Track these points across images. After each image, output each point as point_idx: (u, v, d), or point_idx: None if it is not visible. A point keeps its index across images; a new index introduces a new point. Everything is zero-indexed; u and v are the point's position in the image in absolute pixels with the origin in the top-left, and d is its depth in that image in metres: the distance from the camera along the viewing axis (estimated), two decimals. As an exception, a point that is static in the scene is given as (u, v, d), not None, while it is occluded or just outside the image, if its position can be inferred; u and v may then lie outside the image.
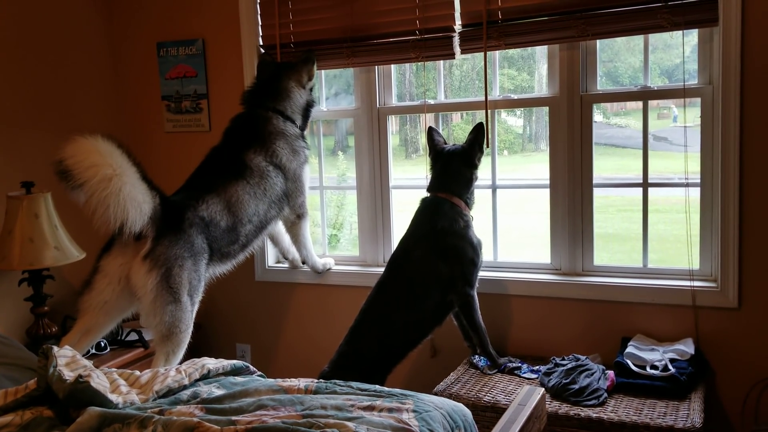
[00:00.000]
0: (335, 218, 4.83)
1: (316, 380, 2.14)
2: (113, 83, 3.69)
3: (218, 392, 1.96)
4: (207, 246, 2.69)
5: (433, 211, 2.76)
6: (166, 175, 3.80)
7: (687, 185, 2.71)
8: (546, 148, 3.03)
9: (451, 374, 2.78)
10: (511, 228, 3.32)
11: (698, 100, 2.68)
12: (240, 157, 2.87)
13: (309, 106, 3.09)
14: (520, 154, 5.28)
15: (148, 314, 2.55)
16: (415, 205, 2.87)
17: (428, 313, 2.73)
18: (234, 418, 1.72)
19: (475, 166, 2.81)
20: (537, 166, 5.15)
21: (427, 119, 3.15)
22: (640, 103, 2.83)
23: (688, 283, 2.69)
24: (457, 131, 4.16)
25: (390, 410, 1.86)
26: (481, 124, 2.77)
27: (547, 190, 2.97)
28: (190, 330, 2.63)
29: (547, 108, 2.93)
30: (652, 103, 2.96)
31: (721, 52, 2.53)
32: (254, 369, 2.30)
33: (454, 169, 2.79)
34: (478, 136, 2.76)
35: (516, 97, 3.06)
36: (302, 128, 3.08)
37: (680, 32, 2.62)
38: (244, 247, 2.90)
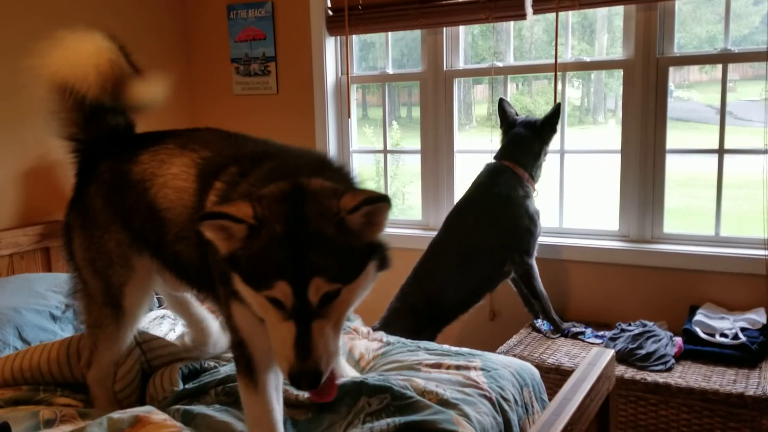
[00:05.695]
0: (389, 188, 4.85)
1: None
2: (183, 45, 3.76)
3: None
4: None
5: (494, 177, 2.77)
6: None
7: (765, 152, 2.63)
8: (603, 120, 2.99)
9: (514, 337, 2.79)
10: (573, 197, 3.29)
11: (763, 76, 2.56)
12: None
13: None
14: (578, 127, 5.18)
15: None
16: (470, 176, 2.86)
17: (479, 278, 2.73)
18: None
19: (545, 142, 2.80)
20: (595, 138, 5.04)
21: (492, 85, 3.13)
22: (704, 75, 2.74)
23: (761, 252, 2.63)
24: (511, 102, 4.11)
25: (458, 368, 1.88)
26: (559, 104, 2.77)
27: (613, 159, 2.92)
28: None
29: (618, 72, 2.87)
30: (715, 77, 2.85)
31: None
32: None
33: (523, 140, 2.79)
34: (554, 117, 2.75)
35: (589, 60, 3.00)
36: None
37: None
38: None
